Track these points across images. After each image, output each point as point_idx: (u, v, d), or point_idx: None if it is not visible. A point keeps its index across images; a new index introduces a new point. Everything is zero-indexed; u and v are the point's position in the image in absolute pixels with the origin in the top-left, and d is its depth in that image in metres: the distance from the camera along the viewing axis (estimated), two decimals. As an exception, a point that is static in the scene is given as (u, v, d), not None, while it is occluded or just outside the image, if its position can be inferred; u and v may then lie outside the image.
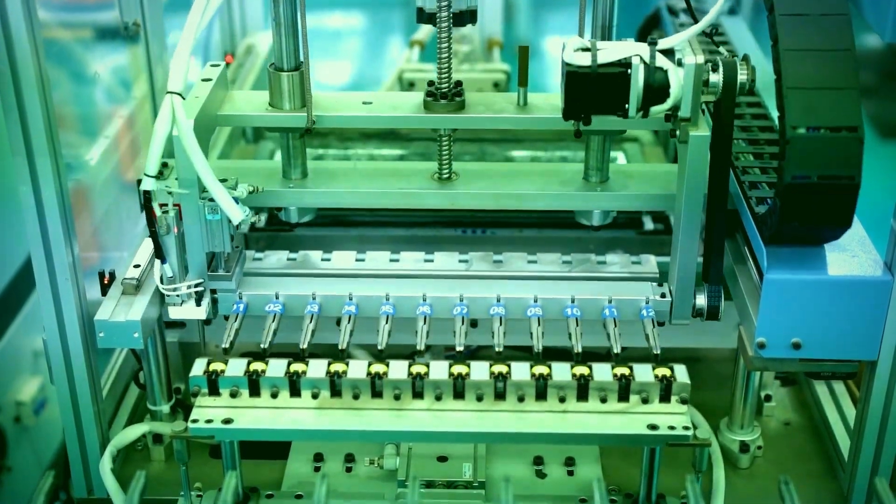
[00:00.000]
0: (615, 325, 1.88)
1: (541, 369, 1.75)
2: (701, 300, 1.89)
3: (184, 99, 1.75)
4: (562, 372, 1.75)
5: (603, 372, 1.75)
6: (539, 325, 1.88)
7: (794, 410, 2.17)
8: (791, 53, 1.64)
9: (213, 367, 1.77)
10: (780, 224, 1.69)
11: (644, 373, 1.75)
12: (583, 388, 1.75)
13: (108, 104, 2.09)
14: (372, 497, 1.89)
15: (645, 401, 1.74)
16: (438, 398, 1.75)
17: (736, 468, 2.00)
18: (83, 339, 1.85)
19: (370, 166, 2.13)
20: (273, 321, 1.91)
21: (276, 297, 1.94)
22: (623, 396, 1.74)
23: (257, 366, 1.77)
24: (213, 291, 1.93)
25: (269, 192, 1.99)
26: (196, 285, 1.89)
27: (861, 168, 1.62)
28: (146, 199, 1.79)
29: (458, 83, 1.98)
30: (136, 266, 1.90)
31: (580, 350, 1.82)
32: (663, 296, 1.93)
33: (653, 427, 1.70)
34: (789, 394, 2.21)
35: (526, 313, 1.91)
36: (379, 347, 1.83)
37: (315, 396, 1.75)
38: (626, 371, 1.75)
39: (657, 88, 1.71)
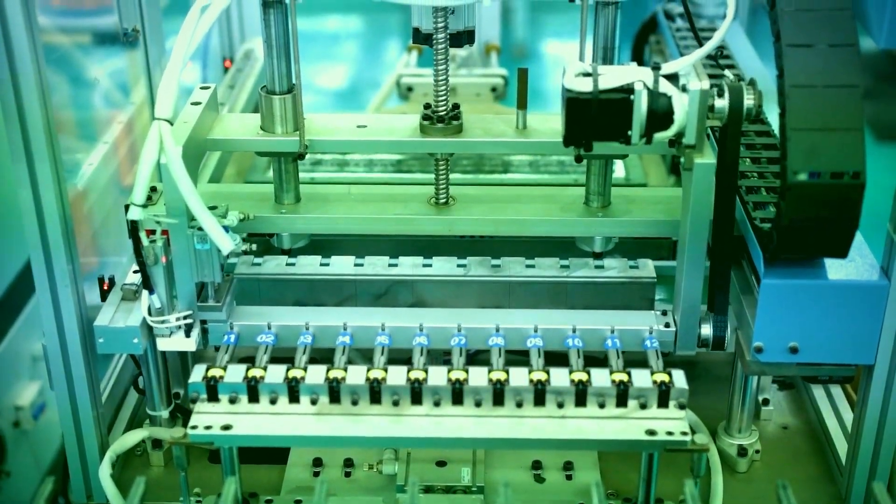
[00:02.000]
0: (618, 357, 1.85)
1: (539, 375, 1.75)
2: (706, 330, 1.88)
3: (171, 125, 1.71)
4: (560, 378, 1.75)
5: (601, 378, 1.75)
6: (539, 356, 1.85)
7: (792, 414, 2.18)
8: (796, 91, 1.59)
9: (211, 373, 1.77)
10: (777, 253, 1.69)
11: (642, 378, 1.75)
12: (581, 395, 1.74)
13: (107, 109, 2.10)
14: (371, 502, 1.89)
15: (643, 406, 1.74)
16: (437, 404, 1.75)
17: (734, 472, 2.01)
18: (83, 345, 1.85)
19: (365, 190, 2.09)
20: (265, 352, 1.87)
21: (269, 328, 1.92)
22: (621, 402, 1.74)
23: (256, 372, 1.77)
24: (204, 322, 1.91)
25: (261, 219, 1.96)
26: (185, 317, 1.87)
27: (861, 209, 1.60)
28: (133, 229, 1.76)
29: (456, 105, 1.95)
30: (136, 272, 1.91)
31: (582, 378, 1.76)
32: (667, 325, 1.90)
33: (651, 432, 1.70)
34: (787, 398, 2.22)
35: (525, 344, 1.89)
36: (373, 374, 1.77)
37: (314, 402, 1.76)
38: (624, 377, 1.74)
39: (661, 115, 1.67)
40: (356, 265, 2.04)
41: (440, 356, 2.21)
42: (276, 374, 1.76)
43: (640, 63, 3.38)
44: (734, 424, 2.01)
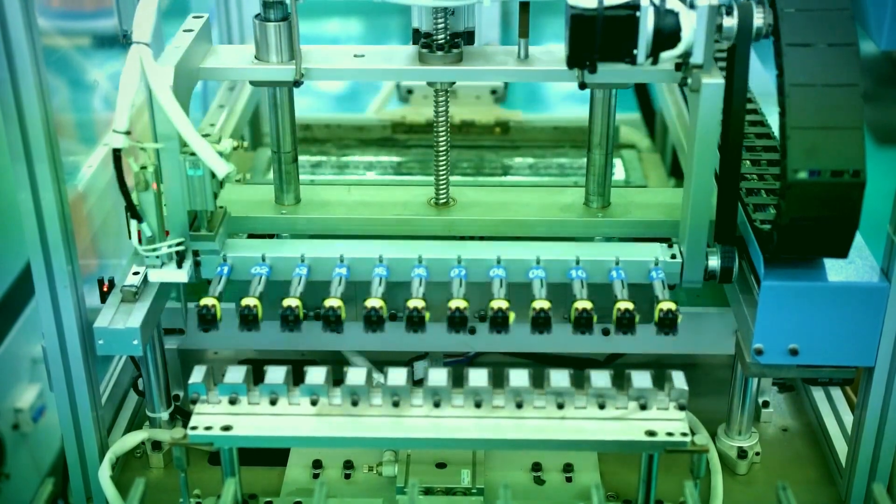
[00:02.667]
0: (623, 287, 1.80)
1: (541, 304, 1.73)
2: (713, 261, 1.82)
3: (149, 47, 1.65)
4: (560, 378, 1.75)
5: (601, 378, 1.75)
6: (542, 286, 1.80)
7: (792, 416, 2.18)
8: (796, 90, 1.59)
9: (204, 301, 1.74)
10: (777, 252, 1.69)
11: (642, 379, 1.75)
12: (586, 322, 1.73)
13: (106, 111, 2.09)
14: (370, 504, 1.89)
15: (643, 407, 1.74)
16: (437, 405, 1.75)
17: (734, 474, 2.00)
18: (82, 347, 1.85)
19: (365, 191, 2.08)
20: (259, 284, 1.81)
21: (263, 260, 1.86)
22: (629, 328, 1.72)
23: (250, 301, 1.74)
24: (196, 254, 1.85)
25: (262, 219, 1.95)
26: (177, 244, 1.79)
27: (861, 208, 1.59)
28: (116, 158, 1.69)
29: (456, 34, 1.88)
30: (135, 273, 1.90)
31: (583, 307, 1.75)
32: (673, 257, 1.85)
33: (651, 433, 1.70)
34: (787, 400, 2.22)
35: (528, 275, 1.84)
36: (372, 304, 1.74)
37: (314, 403, 1.75)
38: (630, 305, 1.72)
39: (668, 33, 1.62)
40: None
41: (440, 358, 2.22)
42: (276, 374, 1.76)
43: None
44: (734, 426, 2.01)
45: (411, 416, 1.74)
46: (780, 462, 2.05)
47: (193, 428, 1.72)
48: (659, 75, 1.76)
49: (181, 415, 2.06)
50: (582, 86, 1.78)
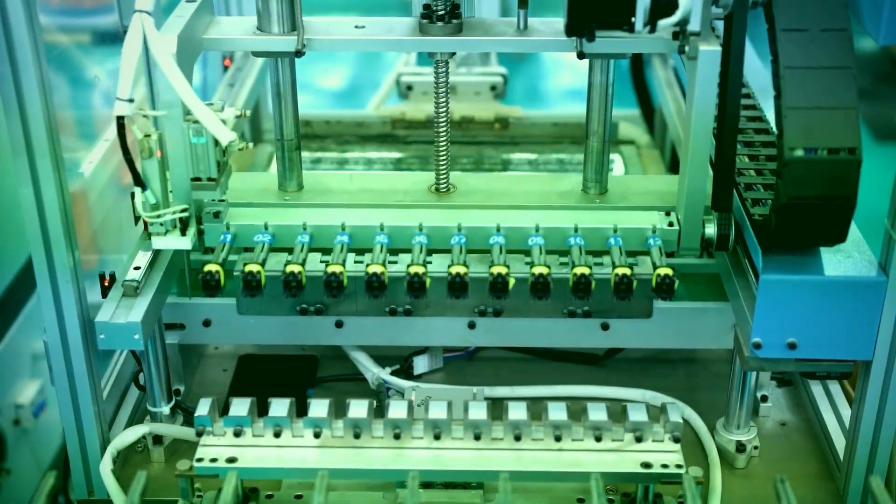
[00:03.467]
0: (621, 254, 1.83)
1: (540, 269, 1.76)
2: (710, 229, 1.85)
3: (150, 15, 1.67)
4: (557, 411, 1.78)
5: (598, 411, 1.78)
6: (541, 253, 1.83)
7: (791, 411, 2.18)
8: (791, 72, 1.61)
9: (208, 267, 1.77)
10: (775, 238, 1.70)
11: (638, 412, 1.78)
12: (585, 286, 1.77)
13: (107, 108, 2.10)
14: (371, 498, 1.89)
15: (639, 439, 1.77)
16: (437, 437, 1.77)
17: (732, 468, 2.01)
18: (84, 341, 1.85)
19: (367, 178, 2.11)
20: (262, 251, 1.84)
21: (265, 228, 1.89)
22: (626, 293, 1.77)
23: (253, 267, 1.77)
24: (199, 222, 1.86)
25: (265, 207, 1.97)
26: (181, 211, 1.81)
27: (857, 188, 1.61)
28: (119, 126, 1.70)
29: (456, 5, 1.88)
30: (136, 268, 1.91)
31: (581, 272, 1.78)
32: (671, 224, 1.88)
33: (646, 465, 1.73)
34: (785, 394, 2.23)
35: (527, 242, 1.87)
36: (372, 269, 1.78)
37: (317, 435, 1.78)
38: (627, 271, 1.76)
39: (665, 1, 1.64)
40: (356, 262, 2.04)
41: (439, 353, 2.22)
42: (280, 407, 1.79)
43: (640, 62, 3.37)
44: (733, 420, 2.01)
45: (412, 447, 1.77)
46: (778, 456, 2.05)
47: (199, 460, 1.75)
48: (656, 44, 1.78)
49: (181, 410, 2.06)
50: (580, 55, 1.80)
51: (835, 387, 2.17)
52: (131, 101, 1.69)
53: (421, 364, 2.21)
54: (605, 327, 2.03)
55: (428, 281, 1.77)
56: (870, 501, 1.83)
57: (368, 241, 1.86)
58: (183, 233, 1.82)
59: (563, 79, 6.80)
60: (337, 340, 2.10)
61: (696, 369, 2.27)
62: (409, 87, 3.26)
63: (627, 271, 1.76)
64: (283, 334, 2.08)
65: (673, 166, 2.91)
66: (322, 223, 1.89)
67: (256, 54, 1.98)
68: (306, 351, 2.29)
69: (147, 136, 1.72)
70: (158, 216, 1.79)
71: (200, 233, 1.87)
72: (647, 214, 1.90)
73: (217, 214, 1.87)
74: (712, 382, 2.18)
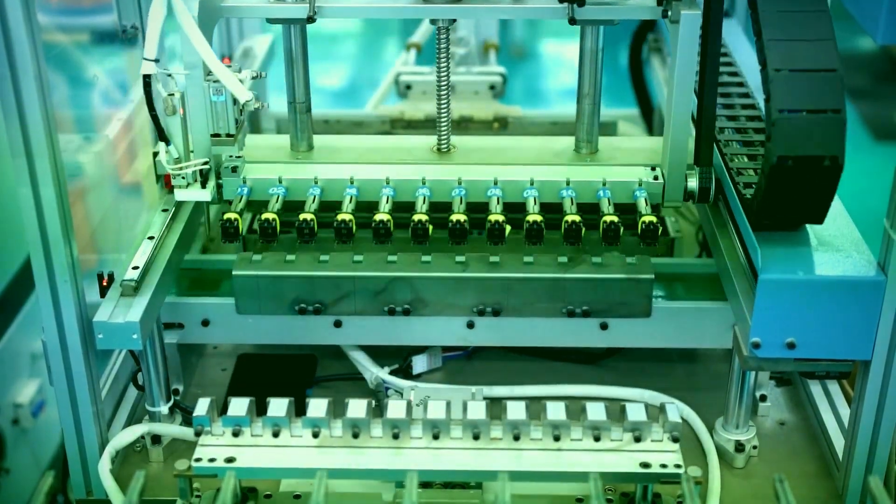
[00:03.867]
0: (609, 204, 1.98)
1: (535, 217, 1.89)
2: (692, 182, 1.98)
3: None
4: (556, 411, 1.78)
5: (597, 411, 1.79)
6: (535, 204, 1.97)
7: (789, 410, 2.18)
8: (775, 43, 1.69)
9: (227, 216, 1.92)
10: (764, 207, 1.71)
11: (637, 412, 1.78)
12: (575, 232, 1.91)
13: (106, 107, 2.10)
14: (370, 498, 1.90)
15: (637, 439, 1.77)
16: (436, 437, 1.78)
17: (731, 468, 2.01)
18: (82, 341, 1.85)
19: (373, 139, 2.30)
20: (276, 202, 1.99)
21: (280, 182, 2.03)
22: (613, 240, 1.91)
23: (269, 215, 1.91)
24: (218, 176, 2.02)
25: (278, 165, 2.08)
26: (203, 163, 1.97)
27: (844, 147, 1.65)
28: (146, 84, 1.87)
29: None
30: (135, 268, 1.91)
31: (573, 219, 1.91)
32: (656, 178, 2.02)
33: (645, 465, 1.74)
34: (784, 394, 2.23)
35: (523, 195, 2.00)
36: (380, 218, 1.92)
37: (315, 435, 1.78)
38: (615, 219, 1.89)
39: None
40: (354, 262, 2.05)
41: (438, 353, 2.22)
42: (278, 407, 1.79)
43: (638, 62, 3.41)
44: (732, 420, 2.01)
45: (411, 447, 1.77)
46: (777, 455, 2.06)
47: (198, 460, 1.75)
48: (643, 11, 1.94)
49: (180, 409, 2.06)
50: (572, 21, 1.94)
51: (834, 386, 2.17)
52: (157, 60, 1.84)
53: (420, 364, 2.21)
54: (603, 327, 2.04)
55: (430, 228, 1.92)
56: (868, 501, 1.83)
57: (375, 193, 2.02)
58: (203, 185, 2.00)
59: (562, 78, 6.81)
60: (336, 340, 2.11)
61: (695, 369, 2.27)
62: (408, 87, 3.25)
63: (615, 219, 1.89)
64: (281, 334, 2.08)
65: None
66: (332, 177, 2.05)
67: (271, 21, 2.09)
68: (304, 350, 2.28)
69: (171, 94, 1.88)
70: (181, 169, 1.96)
71: (219, 186, 2.03)
72: (634, 169, 2.05)
73: (235, 169, 2.03)
74: (711, 382, 2.19)
